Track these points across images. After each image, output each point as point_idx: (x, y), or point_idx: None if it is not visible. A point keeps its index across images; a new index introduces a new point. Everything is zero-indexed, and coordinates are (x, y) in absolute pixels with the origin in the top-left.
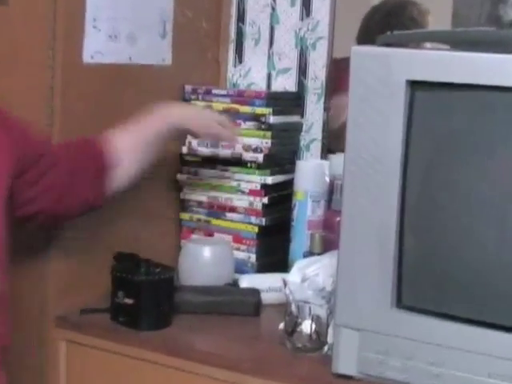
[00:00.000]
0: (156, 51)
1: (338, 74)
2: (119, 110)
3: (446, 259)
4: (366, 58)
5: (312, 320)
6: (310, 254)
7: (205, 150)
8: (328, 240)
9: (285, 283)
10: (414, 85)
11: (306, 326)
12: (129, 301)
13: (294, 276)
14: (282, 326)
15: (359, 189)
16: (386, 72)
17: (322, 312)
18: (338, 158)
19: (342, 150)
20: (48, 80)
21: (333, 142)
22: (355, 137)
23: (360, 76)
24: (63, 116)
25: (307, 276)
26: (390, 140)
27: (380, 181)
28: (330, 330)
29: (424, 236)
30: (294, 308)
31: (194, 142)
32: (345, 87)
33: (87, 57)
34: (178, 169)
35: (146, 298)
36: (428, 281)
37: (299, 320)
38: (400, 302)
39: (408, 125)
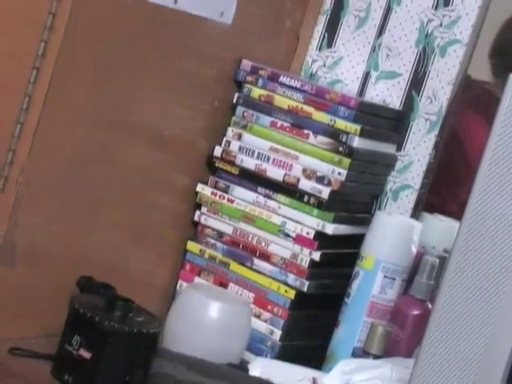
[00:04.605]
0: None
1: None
2: (137, 66)
3: None
4: None
5: None
6: (363, 352)
7: (248, 160)
8: (395, 339)
9: None
10: None
11: None
12: (86, 354)
13: (332, 380)
14: None
15: (468, 282)
16: None
17: None
18: (436, 222)
19: (445, 212)
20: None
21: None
22: (483, 202)
23: None
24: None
25: None
26: None
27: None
28: None
29: None
30: None
31: (235, 144)
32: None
33: None
34: (202, 177)
35: (112, 356)
36: None
37: None
38: None
39: None
